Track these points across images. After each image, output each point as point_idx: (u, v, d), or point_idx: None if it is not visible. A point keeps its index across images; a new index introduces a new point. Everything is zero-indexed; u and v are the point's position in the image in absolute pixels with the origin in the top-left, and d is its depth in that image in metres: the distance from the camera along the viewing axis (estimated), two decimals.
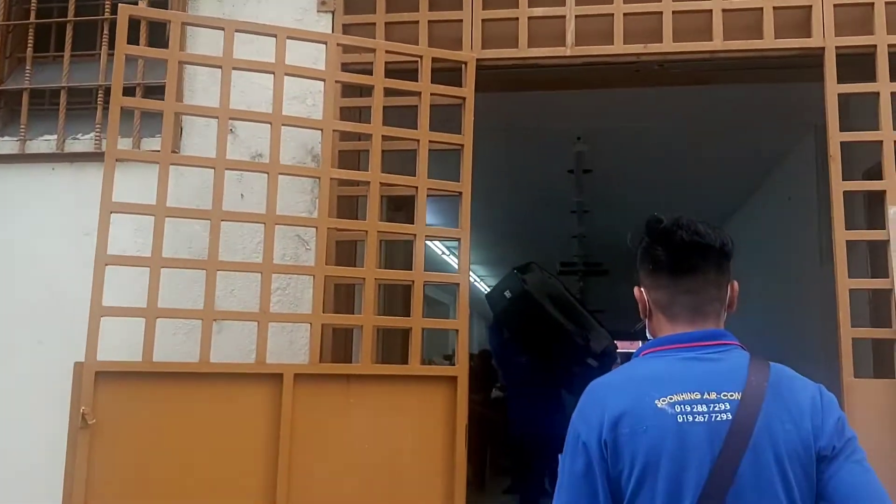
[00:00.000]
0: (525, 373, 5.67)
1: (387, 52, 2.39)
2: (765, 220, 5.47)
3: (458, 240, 2.38)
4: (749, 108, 4.17)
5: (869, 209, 3.15)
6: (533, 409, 5.63)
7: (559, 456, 1.50)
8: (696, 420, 1.37)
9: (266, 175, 2.28)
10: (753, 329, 5.33)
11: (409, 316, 2.35)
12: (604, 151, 5.02)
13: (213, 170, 2.24)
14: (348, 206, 2.58)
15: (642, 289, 1.61)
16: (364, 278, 2.28)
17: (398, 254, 3.36)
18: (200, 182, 2.49)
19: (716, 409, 1.38)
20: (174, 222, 2.51)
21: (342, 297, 2.58)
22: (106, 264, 2.12)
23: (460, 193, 2.39)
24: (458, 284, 2.37)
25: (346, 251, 2.58)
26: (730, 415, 1.37)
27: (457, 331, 2.35)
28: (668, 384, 1.42)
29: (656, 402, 1.39)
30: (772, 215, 5.34)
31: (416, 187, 2.36)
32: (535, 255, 9.30)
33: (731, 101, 4.12)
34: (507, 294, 5.30)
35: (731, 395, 1.39)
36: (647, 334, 1.66)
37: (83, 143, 2.73)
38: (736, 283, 1.59)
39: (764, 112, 4.21)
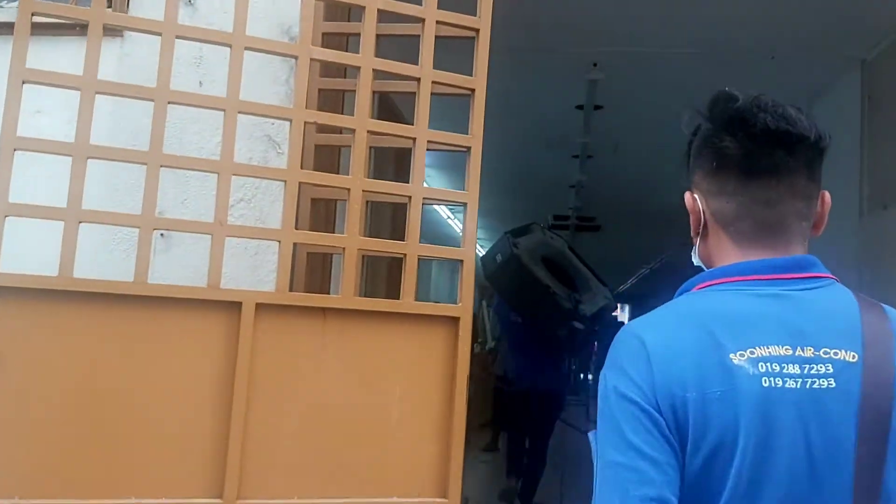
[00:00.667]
0: (520, 331, 5.68)
1: None
2: None
3: (465, 205, 1.90)
4: (788, 38, 3.71)
5: None
6: (531, 365, 5.63)
7: (589, 435, 1.05)
8: (787, 385, 0.95)
9: (229, 53, 1.78)
10: None
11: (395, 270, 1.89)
12: (620, 82, 4.53)
13: (160, 38, 1.74)
14: (332, 102, 2.09)
15: (696, 195, 1.16)
16: (349, 189, 1.81)
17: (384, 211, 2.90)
18: (150, 64, 1.99)
19: (812, 370, 0.96)
20: (115, 112, 2.04)
21: (321, 215, 2.11)
22: (15, 149, 1.63)
23: (469, 149, 1.90)
24: (465, 204, 1.90)
25: (327, 159, 2.10)
26: (832, 381, 0.96)
27: (461, 261, 1.89)
28: (746, 331, 0.99)
29: (731, 356, 0.97)
30: None
31: (414, 139, 1.86)
32: (529, 205, 8.90)
33: (769, 29, 3.65)
34: (498, 258, 5.23)
35: (836, 354, 0.97)
36: (695, 259, 1.22)
37: (7, 12, 2.22)
38: (827, 195, 1.14)
39: (805, 43, 3.74)
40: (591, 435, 1.09)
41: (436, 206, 8.71)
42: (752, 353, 0.98)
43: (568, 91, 4.77)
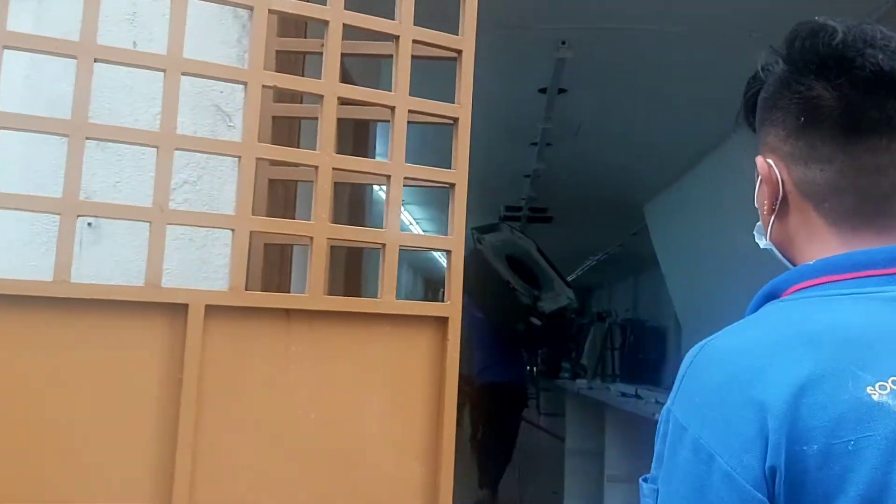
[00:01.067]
0: (483, 327, 5.77)
1: None
2: None
3: (452, 185, 1.63)
4: (769, 13, 3.52)
5: None
6: (493, 361, 5.75)
7: (642, 485, 0.79)
8: None
9: (168, 5, 1.47)
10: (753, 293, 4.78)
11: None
12: (588, 62, 4.31)
13: None
14: (291, 67, 1.80)
15: (770, 161, 0.89)
16: (317, 167, 1.52)
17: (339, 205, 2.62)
18: (73, 23, 1.66)
19: None
20: (30, 76, 1.71)
21: (279, 199, 1.81)
22: None
23: (456, 120, 1.63)
24: (453, 185, 1.63)
25: (286, 133, 1.80)
26: None
27: (449, 251, 1.62)
28: (881, 353, 0.71)
29: (868, 390, 0.68)
30: None
31: (393, 108, 1.58)
32: (482, 194, 8.62)
33: (748, 5, 3.47)
34: None
35: None
36: (762, 241, 0.93)
37: None
38: None
39: (786, 19, 3.56)
40: (644, 486, 0.82)
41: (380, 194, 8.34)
42: (893, 382, 0.71)
43: (532, 71, 4.53)
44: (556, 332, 6.28)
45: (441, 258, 18.02)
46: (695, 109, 5.14)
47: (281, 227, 1.57)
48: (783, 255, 0.96)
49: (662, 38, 3.82)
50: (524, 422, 7.26)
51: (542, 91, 4.80)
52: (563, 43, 3.96)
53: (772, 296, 0.89)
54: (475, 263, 5.33)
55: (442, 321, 1.58)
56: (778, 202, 0.91)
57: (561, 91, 4.77)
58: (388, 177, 1.57)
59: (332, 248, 2.77)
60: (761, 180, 0.94)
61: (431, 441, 1.57)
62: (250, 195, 1.48)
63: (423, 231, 12.76)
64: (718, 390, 0.76)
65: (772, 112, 0.93)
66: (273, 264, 1.84)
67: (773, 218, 0.93)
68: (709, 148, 6.13)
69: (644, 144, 6.18)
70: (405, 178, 1.58)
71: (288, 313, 1.50)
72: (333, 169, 1.53)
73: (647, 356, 13.14)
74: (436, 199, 9.56)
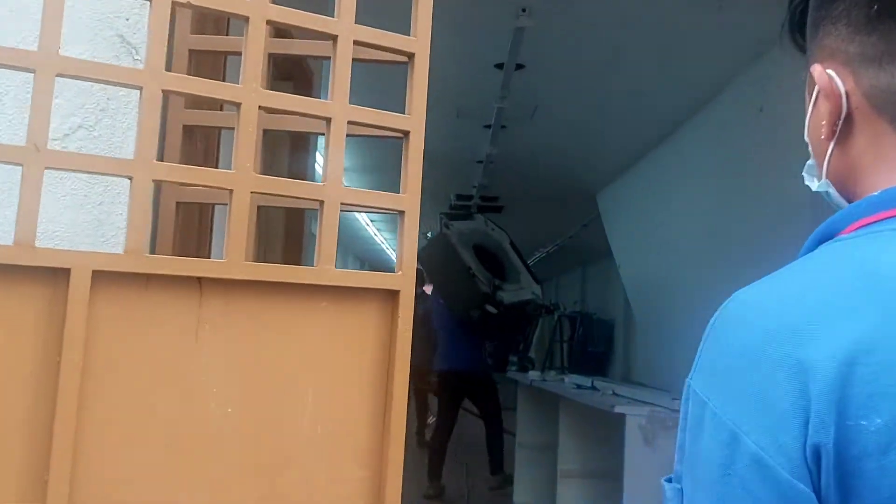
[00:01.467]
0: (444, 311, 5.77)
1: None
2: (732, 133, 4.69)
3: (407, 133, 1.35)
4: None
5: None
6: (452, 346, 5.73)
7: (664, 485, 0.64)
8: None
9: None
10: (722, 290, 4.63)
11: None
12: (550, 33, 4.07)
13: None
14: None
15: (830, 70, 0.67)
16: (239, 103, 1.23)
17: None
18: None
19: None
20: None
21: (198, 149, 1.52)
22: None
23: (412, 56, 1.36)
24: (407, 133, 1.36)
25: (206, 73, 1.51)
26: None
27: (402, 212, 1.35)
28: None
29: None
30: (739, 128, 4.57)
31: (335, 37, 1.30)
32: (431, 182, 8.38)
33: None
34: (428, 235, 5.66)
35: None
36: (815, 182, 0.72)
37: None
38: None
39: None
40: (666, 488, 0.63)
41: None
42: None
43: (489, 43, 4.28)
44: (513, 324, 6.24)
45: (388, 251, 17.68)
46: (652, 92, 4.98)
47: (193, 176, 1.27)
48: (843, 196, 0.73)
49: (628, 5, 3.61)
50: (470, 413, 7.09)
51: (499, 66, 4.56)
52: (524, 10, 3.72)
53: (828, 236, 0.67)
54: (440, 247, 5.34)
55: (392, 295, 1.32)
56: (840, 122, 0.69)
57: (518, 67, 4.53)
58: (329, 120, 1.29)
59: (270, 215, 2.47)
60: (818, 95, 0.71)
61: (376, 438, 1.31)
62: (154, 136, 1.19)
63: (384, 239, 12.29)
64: (748, 351, 0.57)
65: (831, 7, 0.71)
66: (189, 228, 1.54)
67: (832, 144, 0.71)
68: (665, 134, 5.99)
69: (600, 129, 6.03)
70: (349, 122, 1.31)
71: (200, 283, 1.22)
72: (260, 108, 1.25)
73: (596, 349, 13.08)
74: (378, 188, 9.20)
